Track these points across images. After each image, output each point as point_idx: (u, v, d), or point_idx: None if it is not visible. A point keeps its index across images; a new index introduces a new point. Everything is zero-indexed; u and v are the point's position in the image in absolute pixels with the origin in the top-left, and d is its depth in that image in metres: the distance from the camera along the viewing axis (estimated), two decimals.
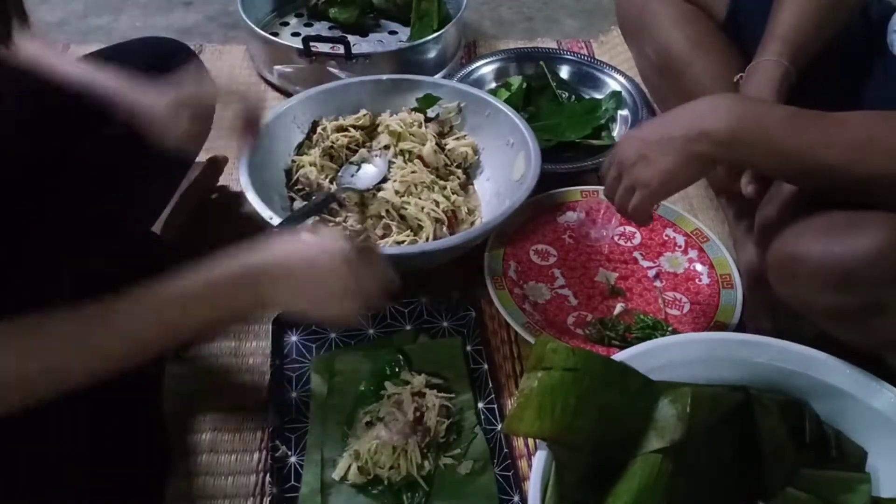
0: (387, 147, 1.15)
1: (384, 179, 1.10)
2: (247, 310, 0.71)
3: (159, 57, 0.97)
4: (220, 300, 0.65)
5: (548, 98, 1.37)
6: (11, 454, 0.62)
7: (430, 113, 1.22)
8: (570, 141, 1.27)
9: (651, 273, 1.07)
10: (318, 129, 1.17)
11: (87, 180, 0.81)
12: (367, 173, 1.10)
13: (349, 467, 0.82)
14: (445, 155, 1.17)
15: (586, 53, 1.52)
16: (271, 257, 0.68)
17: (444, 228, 1.06)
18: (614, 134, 1.30)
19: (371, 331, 0.97)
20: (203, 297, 0.64)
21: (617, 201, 0.83)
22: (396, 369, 0.91)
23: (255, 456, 0.86)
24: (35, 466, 0.65)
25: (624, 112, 1.33)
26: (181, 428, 0.89)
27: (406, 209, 1.06)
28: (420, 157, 1.14)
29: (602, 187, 1.13)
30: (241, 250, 0.67)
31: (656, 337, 0.93)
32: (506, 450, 0.84)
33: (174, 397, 0.91)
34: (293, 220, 0.98)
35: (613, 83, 1.37)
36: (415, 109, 1.21)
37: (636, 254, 1.09)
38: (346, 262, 0.69)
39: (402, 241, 1.04)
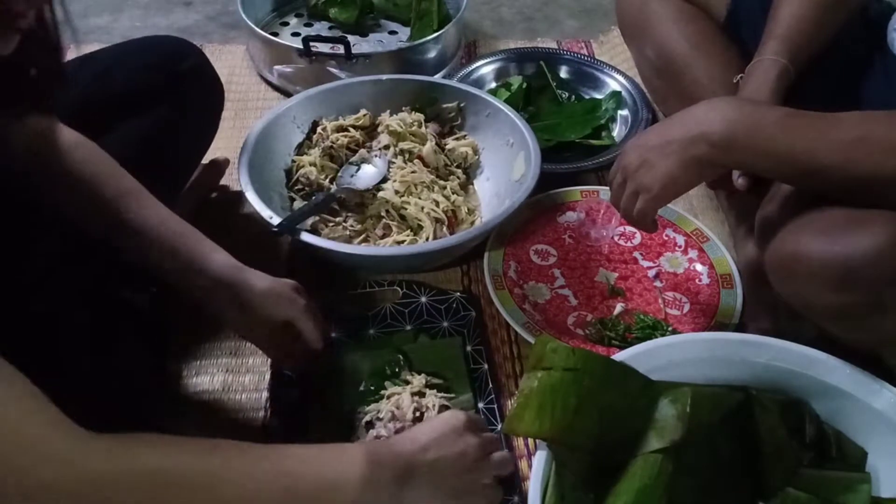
0: (387, 147, 1.15)
1: (384, 179, 1.10)
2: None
3: (165, 56, 0.97)
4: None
5: (548, 98, 1.37)
6: None
7: (430, 113, 1.22)
8: (570, 141, 1.27)
9: (651, 273, 1.07)
10: (318, 129, 1.17)
11: None
12: (367, 173, 1.10)
13: None
14: (445, 155, 1.17)
15: (586, 53, 1.52)
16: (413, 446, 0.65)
17: (444, 228, 1.06)
18: (614, 134, 1.30)
19: (371, 331, 0.97)
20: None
21: (622, 207, 0.83)
22: (397, 369, 0.91)
23: None
24: None
25: (624, 112, 1.33)
26: (181, 428, 0.88)
27: (406, 209, 1.07)
28: (420, 157, 1.15)
29: (602, 187, 1.14)
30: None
31: (656, 337, 0.93)
32: (506, 450, 0.84)
33: (174, 397, 0.91)
34: (293, 220, 0.98)
35: (613, 83, 1.37)
36: (415, 109, 1.21)
37: (636, 254, 1.09)
38: (472, 437, 0.68)
39: (402, 241, 1.04)
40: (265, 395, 0.92)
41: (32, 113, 0.68)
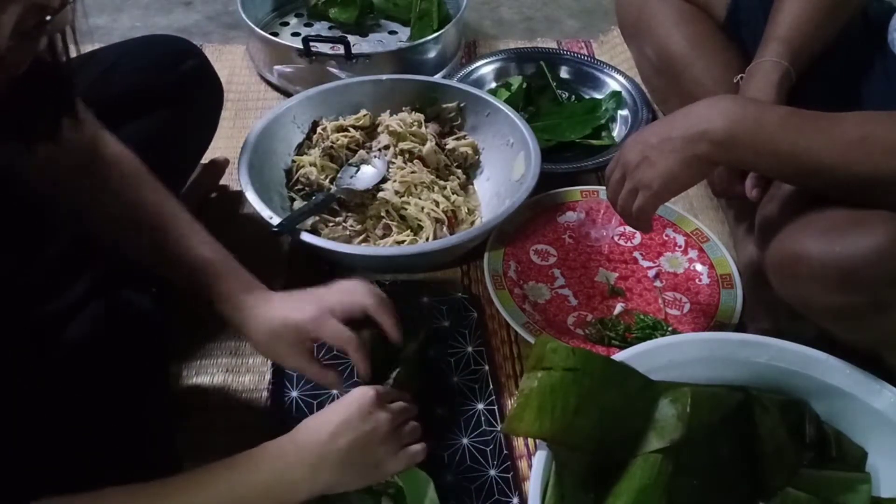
0: (387, 147, 1.15)
1: (384, 180, 1.10)
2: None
3: (165, 56, 0.97)
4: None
5: (548, 98, 1.37)
6: (30, 440, 0.62)
7: (430, 113, 1.22)
8: (570, 141, 1.27)
9: (651, 273, 1.07)
10: (318, 129, 1.17)
11: None
12: (367, 174, 1.10)
13: None
14: (445, 155, 1.17)
15: (586, 53, 1.52)
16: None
17: (444, 228, 1.06)
18: (614, 134, 1.30)
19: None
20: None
21: (620, 204, 0.83)
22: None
23: None
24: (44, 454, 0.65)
25: (624, 112, 1.33)
26: (181, 429, 0.88)
27: (406, 209, 1.07)
28: (420, 158, 1.15)
29: (602, 187, 1.14)
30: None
31: (656, 337, 0.93)
32: (506, 451, 0.84)
33: (174, 397, 0.91)
34: (293, 220, 0.99)
35: (613, 83, 1.37)
36: (415, 109, 1.21)
37: (636, 254, 1.09)
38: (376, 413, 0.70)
39: (402, 241, 1.04)
40: (265, 395, 0.92)
41: (42, 140, 0.68)
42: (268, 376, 0.93)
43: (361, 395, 0.71)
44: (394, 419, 0.71)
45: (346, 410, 0.69)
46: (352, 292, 0.77)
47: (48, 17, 0.52)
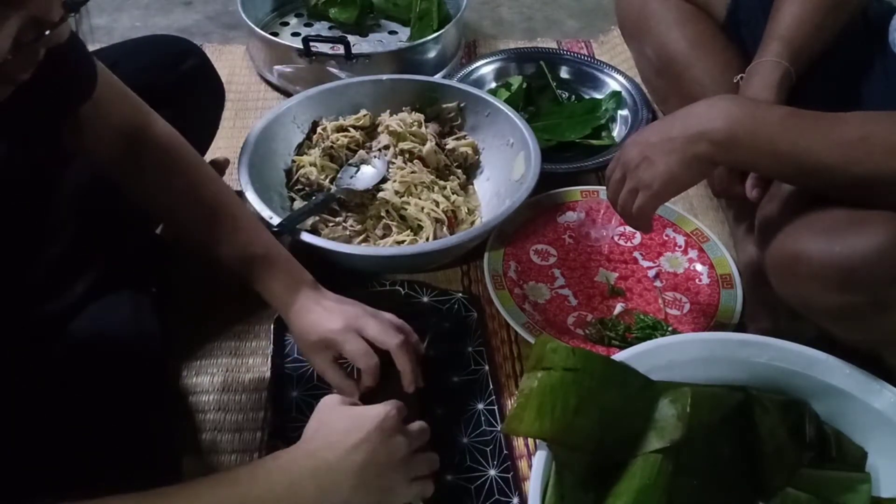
0: (386, 147, 1.15)
1: (384, 180, 1.10)
2: None
3: (166, 56, 0.97)
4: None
5: (548, 98, 1.37)
6: (28, 441, 0.62)
7: (430, 113, 1.22)
8: (570, 141, 1.27)
9: (651, 273, 1.07)
10: (318, 129, 1.17)
11: (94, 184, 0.80)
12: (367, 174, 1.10)
13: None
14: (445, 155, 1.17)
15: (586, 53, 1.52)
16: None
17: (444, 228, 1.06)
18: (614, 134, 1.30)
19: None
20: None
21: (620, 204, 0.83)
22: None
23: (256, 456, 0.86)
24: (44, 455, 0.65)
25: (624, 112, 1.33)
26: (181, 429, 0.89)
27: (406, 209, 1.07)
28: (420, 158, 1.15)
29: (602, 187, 1.14)
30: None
31: (656, 337, 0.93)
32: (506, 451, 0.84)
33: (174, 397, 0.91)
34: (293, 220, 0.99)
35: (613, 83, 1.37)
36: (415, 109, 1.21)
37: (636, 254, 1.09)
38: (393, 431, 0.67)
39: (402, 242, 1.04)
40: (265, 395, 0.92)
41: (40, 142, 0.68)
42: (268, 376, 0.93)
43: (383, 413, 0.67)
44: (411, 445, 0.68)
45: (366, 429, 0.66)
46: (386, 331, 0.77)
47: (47, 32, 0.52)
